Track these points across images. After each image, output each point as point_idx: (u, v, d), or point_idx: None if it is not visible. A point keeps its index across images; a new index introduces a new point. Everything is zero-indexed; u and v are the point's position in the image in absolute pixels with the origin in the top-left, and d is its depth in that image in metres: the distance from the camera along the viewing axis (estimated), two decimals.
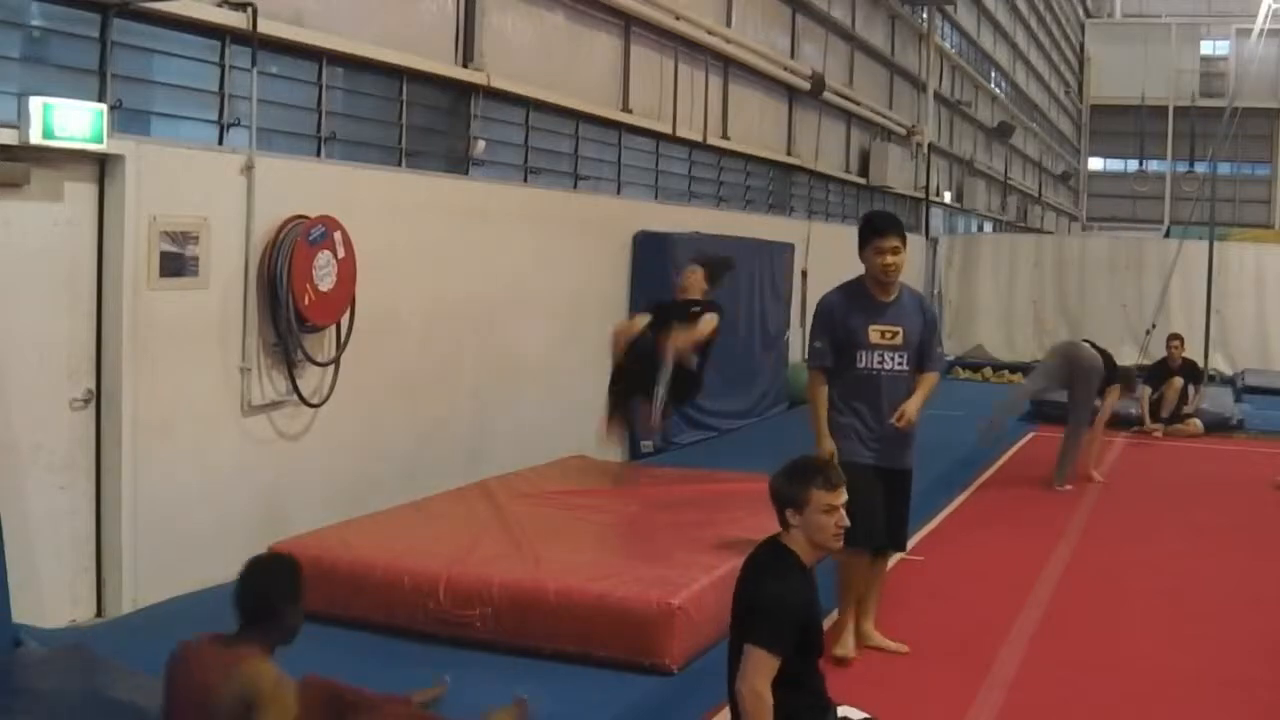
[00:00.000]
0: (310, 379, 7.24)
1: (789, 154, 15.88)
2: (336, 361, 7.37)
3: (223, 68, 6.82)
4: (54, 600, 5.87)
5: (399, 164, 8.37)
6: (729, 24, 13.44)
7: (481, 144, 9.14)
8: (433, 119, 8.85)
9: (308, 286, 6.92)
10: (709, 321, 7.97)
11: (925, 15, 22.02)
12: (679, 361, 7.85)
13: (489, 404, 9.03)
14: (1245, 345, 19.43)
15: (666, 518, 7.11)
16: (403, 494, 7.44)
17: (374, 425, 7.82)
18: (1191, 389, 14.03)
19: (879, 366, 5.89)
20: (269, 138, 7.21)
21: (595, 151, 11.06)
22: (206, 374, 6.58)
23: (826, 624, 5.25)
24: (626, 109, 11.31)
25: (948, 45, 24.62)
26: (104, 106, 5.80)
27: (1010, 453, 12.16)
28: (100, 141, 5.72)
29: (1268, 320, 19.51)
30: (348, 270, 7.19)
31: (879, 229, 5.92)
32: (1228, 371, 18.86)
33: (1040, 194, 37.87)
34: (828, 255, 15.08)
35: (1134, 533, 8.94)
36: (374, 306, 7.59)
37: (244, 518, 6.76)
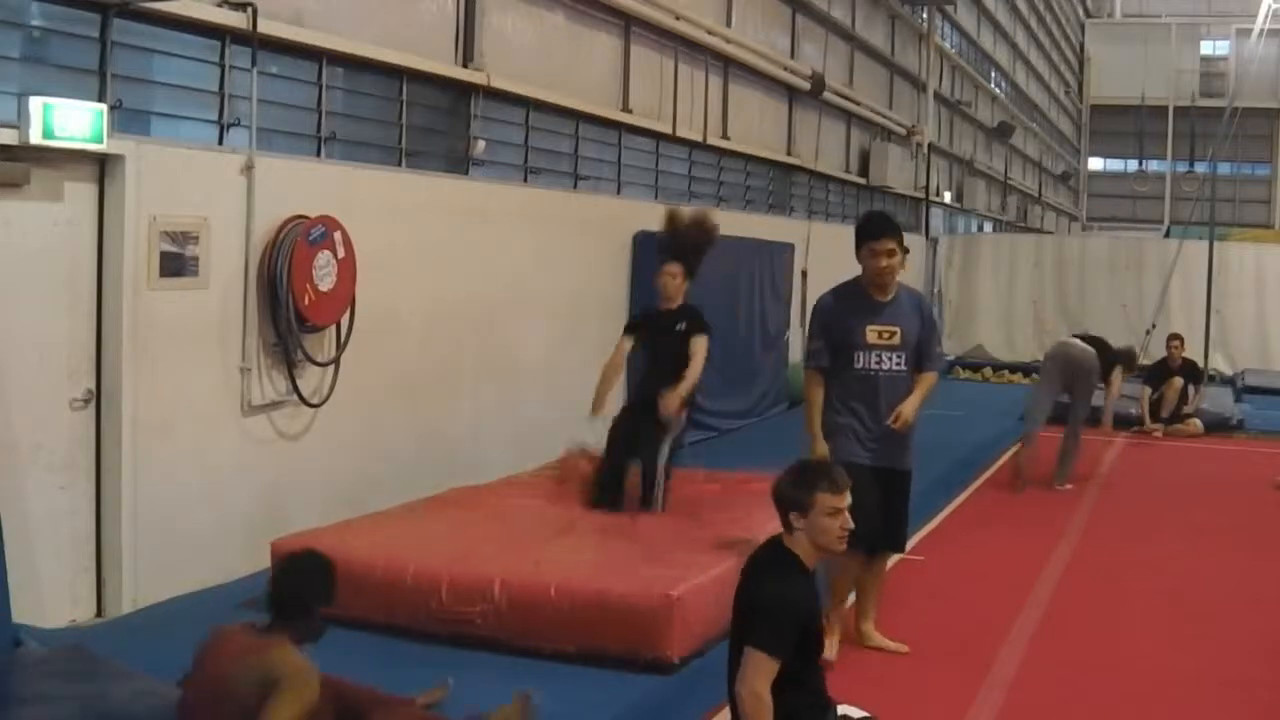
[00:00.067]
0: (310, 379, 7.24)
1: (789, 154, 15.88)
2: (336, 361, 7.37)
3: (223, 68, 6.82)
4: (54, 600, 5.86)
5: (399, 164, 8.37)
6: (729, 24, 13.45)
7: (481, 144, 9.14)
8: (433, 119, 8.85)
9: (308, 286, 6.92)
10: (697, 360, 7.22)
11: (925, 15, 22.03)
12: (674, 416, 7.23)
13: (489, 404, 9.03)
14: (1245, 345, 19.45)
15: (667, 516, 7.11)
16: (403, 494, 7.44)
17: (374, 425, 7.82)
18: (1191, 389, 14.04)
19: (876, 367, 5.87)
20: (269, 138, 7.21)
21: (595, 151, 11.06)
22: (206, 374, 6.58)
23: None
24: (626, 109, 11.31)
25: (948, 45, 24.62)
26: (104, 106, 5.80)
27: (1010, 452, 12.15)
28: (100, 141, 5.72)
29: (1268, 320, 19.52)
30: (348, 270, 7.19)
31: (874, 232, 5.91)
32: (1228, 371, 18.88)
33: (1040, 194, 37.88)
34: (828, 255, 15.07)
35: (1134, 533, 8.95)
36: (374, 306, 7.59)
37: (244, 518, 6.76)
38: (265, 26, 6.87)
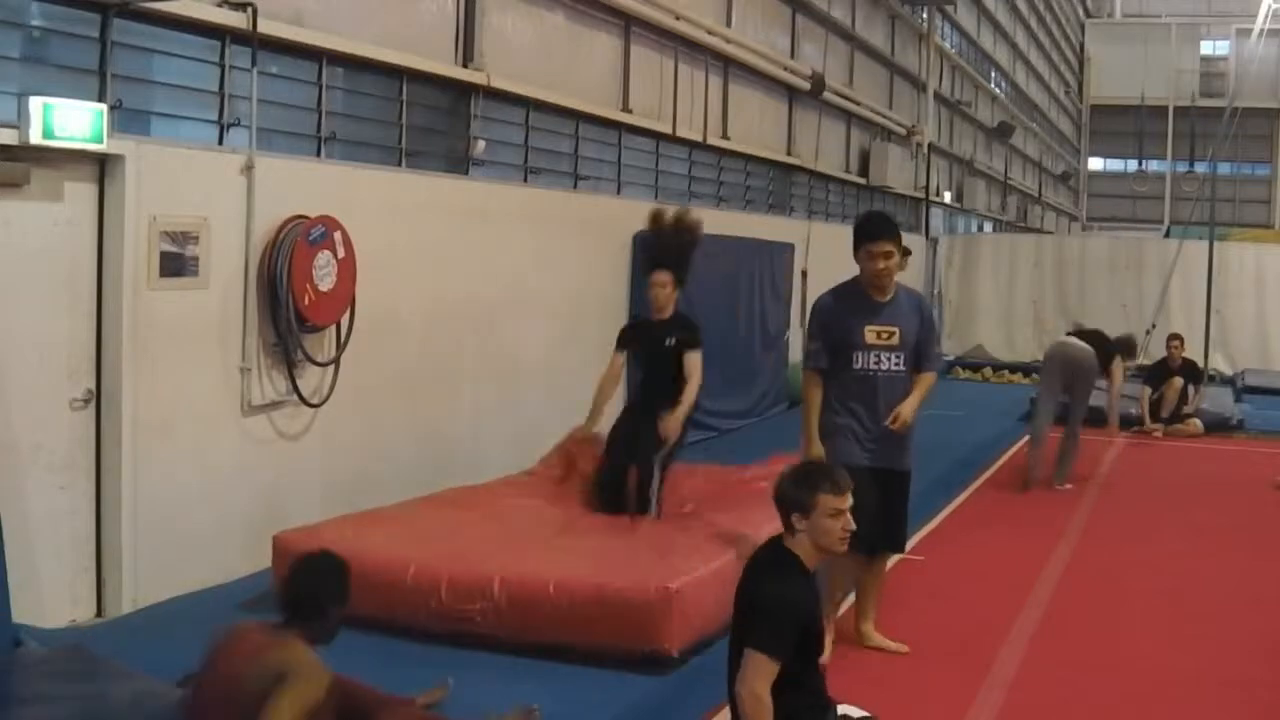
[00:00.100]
0: (310, 379, 7.24)
1: (789, 154, 15.88)
2: (336, 361, 7.37)
3: (223, 68, 6.82)
4: (54, 600, 5.87)
5: (399, 164, 8.37)
6: (729, 24, 13.45)
7: (481, 144, 9.14)
8: (433, 119, 8.85)
9: (308, 286, 6.92)
10: (693, 382, 7.21)
11: (925, 15, 22.04)
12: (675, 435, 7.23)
13: (489, 404, 9.03)
14: (1245, 345, 19.46)
15: (665, 514, 7.10)
16: (402, 494, 7.44)
17: (374, 425, 7.82)
18: (1191, 389, 14.03)
19: (875, 367, 5.86)
20: (269, 138, 7.22)
21: (595, 151, 11.06)
22: (206, 374, 6.58)
23: None
24: (626, 109, 11.31)
25: (948, 45, 24.62)
26: (104, 106, 5.80)
27: (1010, 453, 12.16)
28: (100, 141, 5.72)
29: (1268, 320, 19.52)
30: (348, 270, 7.19)
31: (871, 233, 5.89)
32: (1228, 371, 18.88)
33: (1040, 194, 37.88)
34: (828, 255, 15.06)
35: (1134, 533, 8.94)
36: (374, 306, 7.59)
37: (244, 518, 6.77)
38: (265, 26, 6.87)
